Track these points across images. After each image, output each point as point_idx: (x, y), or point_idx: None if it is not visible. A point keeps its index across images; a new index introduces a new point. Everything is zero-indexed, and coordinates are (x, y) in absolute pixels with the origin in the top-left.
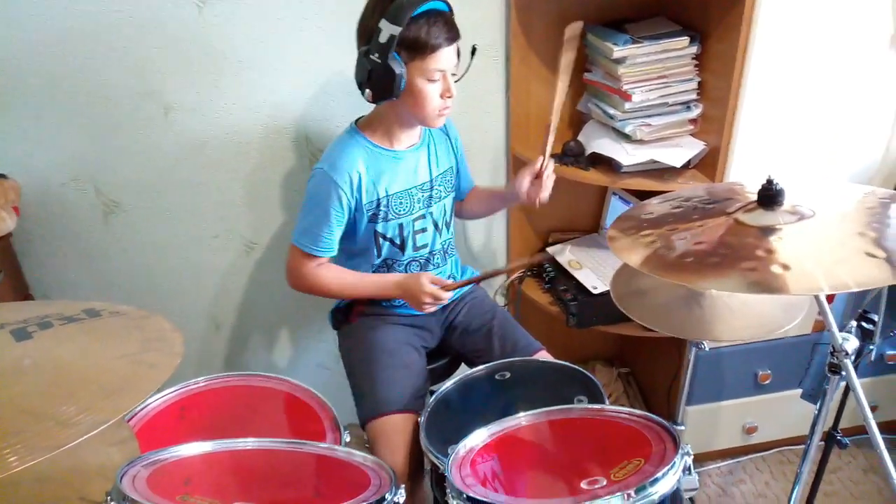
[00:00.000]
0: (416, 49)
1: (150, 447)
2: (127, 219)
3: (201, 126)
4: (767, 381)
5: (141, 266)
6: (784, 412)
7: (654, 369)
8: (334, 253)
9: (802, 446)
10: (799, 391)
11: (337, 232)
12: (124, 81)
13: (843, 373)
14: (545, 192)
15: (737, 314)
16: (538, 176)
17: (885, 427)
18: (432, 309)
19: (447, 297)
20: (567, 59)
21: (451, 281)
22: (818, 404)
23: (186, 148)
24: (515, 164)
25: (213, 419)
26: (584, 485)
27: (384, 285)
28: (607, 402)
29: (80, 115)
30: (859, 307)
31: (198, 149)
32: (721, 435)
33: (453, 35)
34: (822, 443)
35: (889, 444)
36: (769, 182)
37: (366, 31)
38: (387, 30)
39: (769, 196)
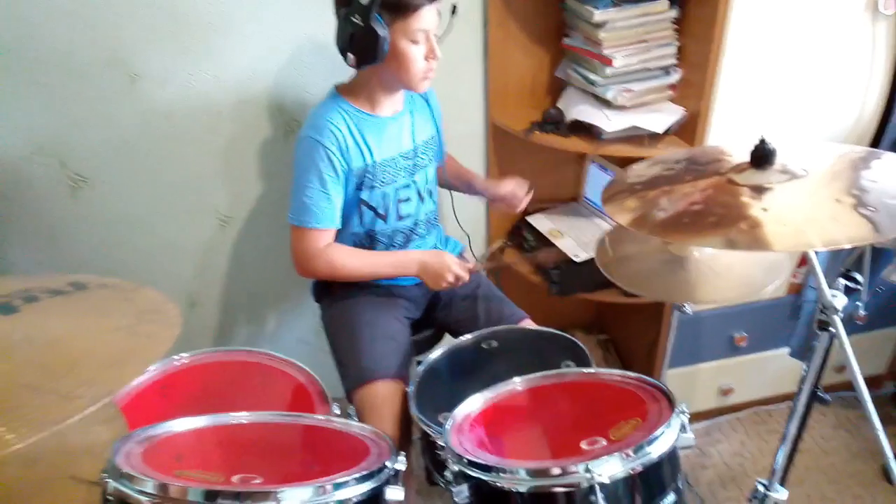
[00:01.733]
0: (398, 9)
1: (135, 427)
2: (95, 194)
3: (170, 95)
4: (743, 344)
5: (111, 243)
6: (758, 373)
7: (633, 335)
8: (338, 224)
9: (776, 406)
10: (775, 352)
11: (336, 199)
12: (86, 49)
13: (832, 329)
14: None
15: (721, 276)
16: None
17: (852, 384)
18: (447, 286)
19: (467, 278)
20: None
21: (475, 263)
22: (807, 362)
23: (155, 118)
24: (494, 131)
25: (196, 396)
26: (584, 445)
27: (404, 263)
28: (594, 366)
29: (37, 84)
30: (840, 266)
31: (167, 119)
32: (698, 397)
33: None
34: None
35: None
36: (762, 142)
37: None
38: None
39: (762, 156)
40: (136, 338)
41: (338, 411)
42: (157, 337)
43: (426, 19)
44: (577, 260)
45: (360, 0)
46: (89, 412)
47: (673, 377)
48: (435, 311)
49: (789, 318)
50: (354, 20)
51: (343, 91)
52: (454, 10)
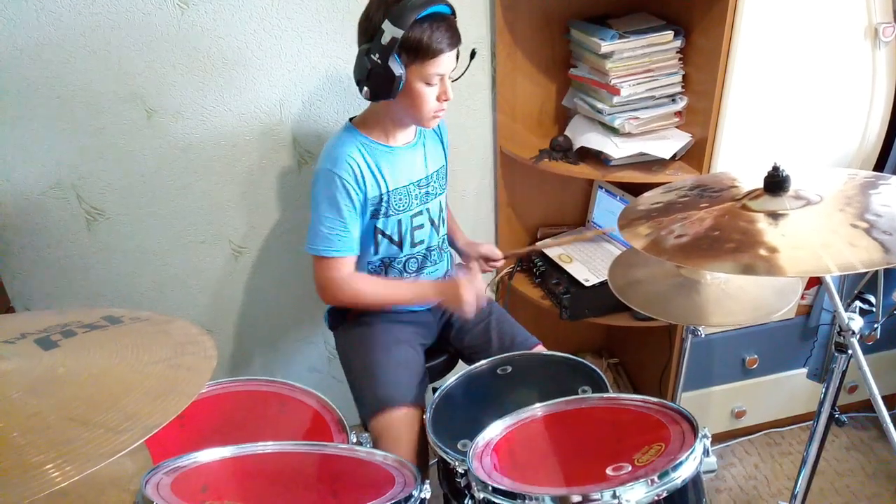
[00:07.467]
0: (418, 53)
1: (156, 457)
2: (111, 226)
3: (186, 129)
4: (755, 366)
5: (126, 274)
6: (770, 395)
7: (643, 358)
8: (356, 252)
9: (788, 428)
10: (786, 373)
11: (353, 229)
12: (105, 85)
13: (850, 351)
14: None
15: (734, 299)
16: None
17: (863, 405)
18: (473, 308)
19: (484, 290)
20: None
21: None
22: (825, 383)
23: (171, 152)
24: (503, 159)
25: (214, 426)
26: (609, 471)
27: (422, 291)
28: (611, 391)
29: (59, 120)
30: (854, 289)
31: (183, 152)
32: (711, 420)
33: (455, 40)
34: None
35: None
36: (776, 169)
37: (368, 30)
38: (389, 31)
39: (776, 182)
40: (176, 370)
41: (354, 439)
42: (197, 368)
43: (444, 64)
44: (587, 284)
45: (381, 39)
46: (137, 445)
47: (686, 400)
48: (448, 338)
49: (801, 340)
50: (373, 57)
51: (357, 124)
52: (473, 54)
